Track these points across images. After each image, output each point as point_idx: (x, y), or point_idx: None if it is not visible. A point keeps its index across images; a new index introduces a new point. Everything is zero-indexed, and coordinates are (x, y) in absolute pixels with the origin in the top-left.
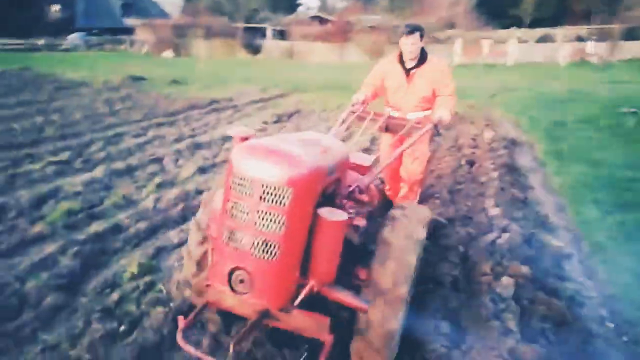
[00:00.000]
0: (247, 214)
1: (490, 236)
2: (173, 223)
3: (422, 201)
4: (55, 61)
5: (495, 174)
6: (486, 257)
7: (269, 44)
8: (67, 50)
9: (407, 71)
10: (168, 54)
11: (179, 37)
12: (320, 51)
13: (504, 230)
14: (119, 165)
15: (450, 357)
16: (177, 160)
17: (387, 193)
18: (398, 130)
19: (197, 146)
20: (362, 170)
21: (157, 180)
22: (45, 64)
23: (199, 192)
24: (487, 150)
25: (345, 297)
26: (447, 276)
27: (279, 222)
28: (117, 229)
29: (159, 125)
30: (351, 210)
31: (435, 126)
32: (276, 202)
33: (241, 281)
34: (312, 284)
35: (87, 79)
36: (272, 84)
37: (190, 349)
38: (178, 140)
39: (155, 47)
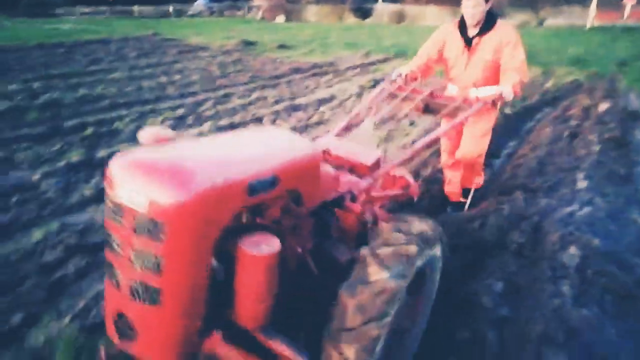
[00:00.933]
0: (122, 248)
1: (570, 208)
2: None
3: (509, 171)
4: (181, 27)
5: (596, 148)
6: (559, 228)
7: (380, 7)
8: (192, 16)
9: (469, 40)
10: (280, 19)
11: (290, 3)
12: (431, 15)
13: (587, 203)
14: (224, 122)
15: (494, 312)
16: (274, 120)
17: (447, 189)
18: (440, 110)
19: (295, 108)
20: (362, 170)
21: None
22: (173, 29)
23: None
24: (597, 123)
25: (278, 345)
26: (513, 243)
27: (155, 262)
28: None
29: (263, 87)
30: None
31: (494, 103)
32: (151, 237)
33: (129, 328)
34: (214, 337)
35: (206, 43)
36: (376, 48)
37: None
38: (278, 102)
39: (269, 13)
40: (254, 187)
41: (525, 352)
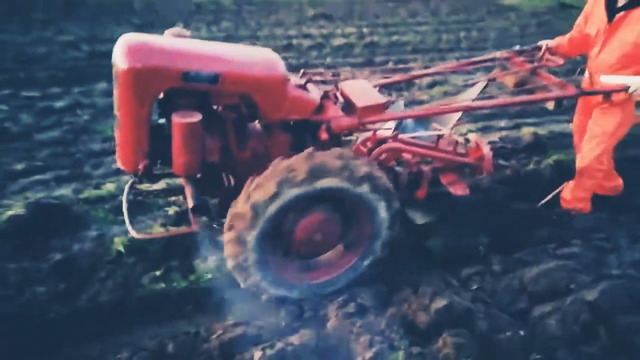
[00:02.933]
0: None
1: None
2: None
3: None
4: None
5: None
6: None
7: None
8: None
9: (612, 13)
10: None
11: None
12: None
13: None
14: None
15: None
16: None
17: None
18: (531, 89)
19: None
20: (356, 110)
21: None
22: None
23: None
24: None
25: (187, 190)
26: None
27: (117, 101)
28: None
29: None
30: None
31: (606, 96)
32: (116, 84)
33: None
34: (143, 164)
35: (519, 4)
36: None
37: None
38: None
39: None
40: (188, 76)
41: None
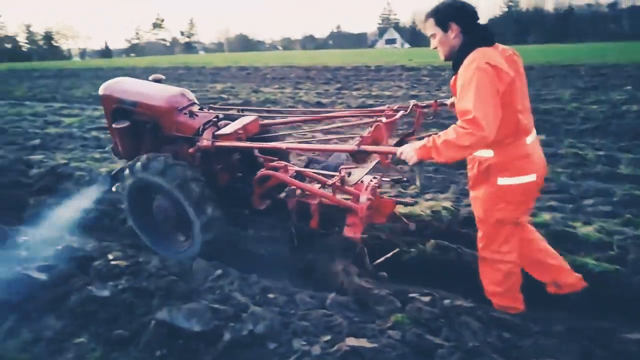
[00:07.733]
0: None
1: None
2: None
3: None
4: None
5: None
6: None
7: None
8: None
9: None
10: None
11: None
12: None
13: None
14: None
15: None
16: None
17: None
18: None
19: None
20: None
21: None
22: None
23: None
24: None
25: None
26: None
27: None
28: None
29: None
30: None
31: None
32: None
33: None
34: (112, 147)
35: None
36: None
37: None
38: None
39: None
40: (121, 101)
41: None
